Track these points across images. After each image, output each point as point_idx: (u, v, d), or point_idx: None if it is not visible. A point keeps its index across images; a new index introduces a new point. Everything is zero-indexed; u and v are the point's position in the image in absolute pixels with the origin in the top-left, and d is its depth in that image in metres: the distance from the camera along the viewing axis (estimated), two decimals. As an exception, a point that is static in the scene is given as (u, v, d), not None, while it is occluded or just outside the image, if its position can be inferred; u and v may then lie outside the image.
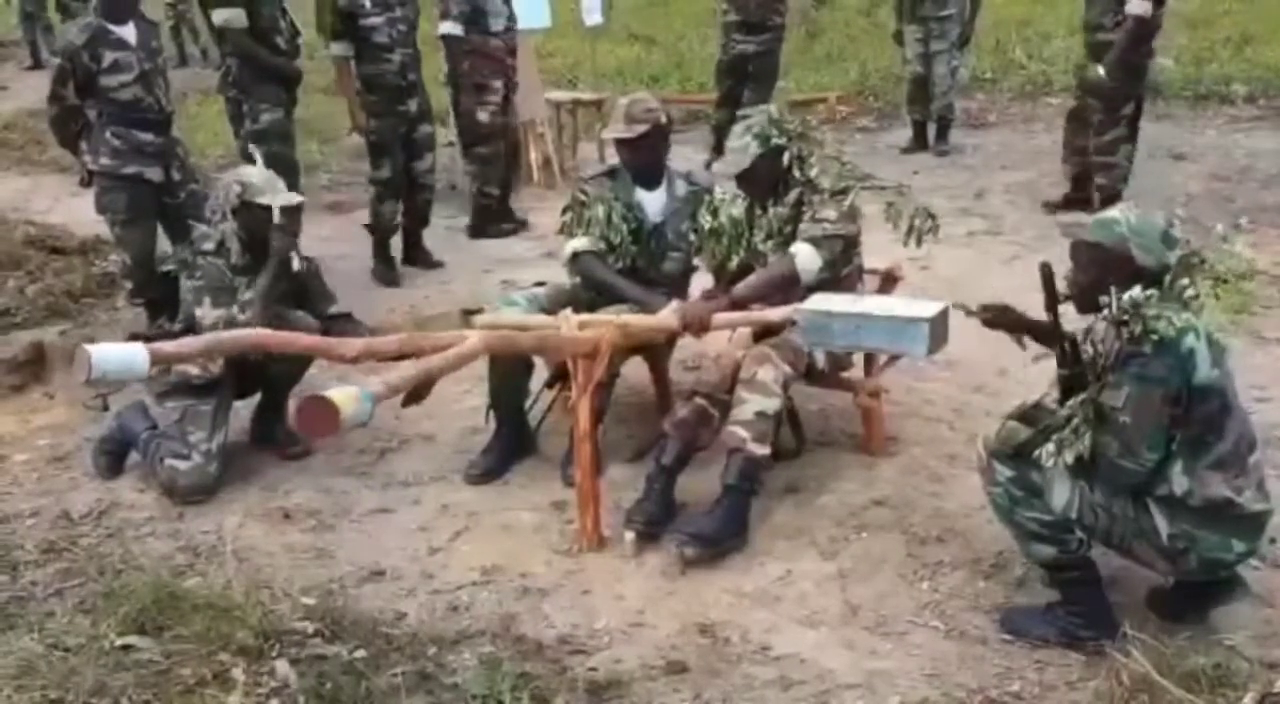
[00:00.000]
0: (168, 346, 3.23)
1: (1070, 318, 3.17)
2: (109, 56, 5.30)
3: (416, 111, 6.61)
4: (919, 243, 4.16)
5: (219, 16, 6.09)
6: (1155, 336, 2.87)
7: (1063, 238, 3.21)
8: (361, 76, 6.46)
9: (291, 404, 2.88)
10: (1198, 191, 7.58)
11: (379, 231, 6.75)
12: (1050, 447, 3.04)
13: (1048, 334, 3.20)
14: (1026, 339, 3.30)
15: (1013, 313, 3.30)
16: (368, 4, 6.33)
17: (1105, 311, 2.95)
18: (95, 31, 5.30)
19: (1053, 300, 3.08)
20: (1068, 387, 3.10)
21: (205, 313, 4.22)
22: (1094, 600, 3.18)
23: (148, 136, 5.44)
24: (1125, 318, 2.90)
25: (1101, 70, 6.85)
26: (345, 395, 2.84)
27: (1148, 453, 2.94)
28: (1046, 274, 3.08)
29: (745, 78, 8.77)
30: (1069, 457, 3.00)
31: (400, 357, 3.55)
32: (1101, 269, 3.02)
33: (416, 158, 6.69)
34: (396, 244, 6.88)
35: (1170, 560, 3.05)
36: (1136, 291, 2.91)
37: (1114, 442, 2.95)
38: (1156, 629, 3.09)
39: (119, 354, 3.04)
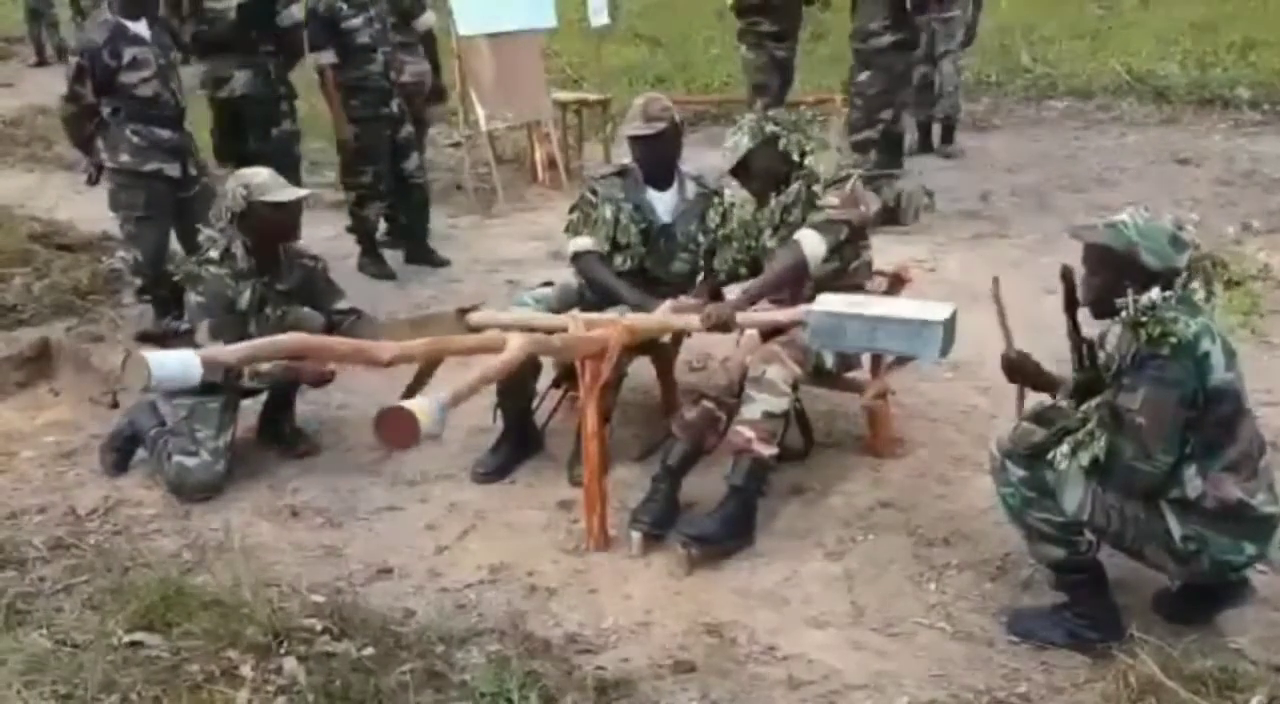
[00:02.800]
0: (214, 353, 3.33)
1: (1085, 320, 3.18)
2: (129, 53, 5.33)
3: (398, 112, 6.59)
4: (916, 218, 4.17)
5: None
6: (1173, 339, 2.88)
7: (1071, 240, 3.22)
8: (346, 82, 6.36)
9: (374, 415, 2.97)
10: (1203, 196, 7.57)
11: (362, 233, 6.76)
12: (1065, 448, 3.05)
13: (1055, 388, 3.23)
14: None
15: (1036, 368, 3.34)
16: (345, 7, 6.27)
17: (1122, 314, 2.96)
18: (114, 29, 5.33)
19: (1072, 303, 3.09)
20: (1083, 389, 3.11)
21: (201, 337, 4.20)
22: (1101, 602, 3.19)
23: (165, 133, 5.47)
24: (1142, 320, 2.91)
25: (863, 75, 7.14)
26: (423, 408, 2.94)
27: (1163, 456, 2.94)
28: (1067, 277, 3.09)
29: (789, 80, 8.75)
30: (1084, 459, 3.01)
31: (429, 357, 3.66)
32: (1110, 272, 3.02)
33: (403, 159, 6.67)
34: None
35: (1182, 563, 3.05)
36: (1155, 294, 2.91)
37: (1129, 444, 2.96)
38: (1163, 632, 3.11)
39: (174, 362, 3.08)
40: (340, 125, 6.45)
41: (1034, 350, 3.44)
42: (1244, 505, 2.98)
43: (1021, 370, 3.35)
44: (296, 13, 6.09)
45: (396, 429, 2.93)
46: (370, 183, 6.59)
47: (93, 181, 5.71)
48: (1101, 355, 3.13)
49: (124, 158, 5.43)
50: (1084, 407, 3.09)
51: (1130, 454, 2.97)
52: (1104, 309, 3.06)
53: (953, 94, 9.00)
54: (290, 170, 4.82)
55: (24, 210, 7.85)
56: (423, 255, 6.93)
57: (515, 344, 3.47)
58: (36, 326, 5.75)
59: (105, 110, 5.40)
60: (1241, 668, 2.96)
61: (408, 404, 2.95)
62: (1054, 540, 3.12)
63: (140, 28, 5.40)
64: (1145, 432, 2.94)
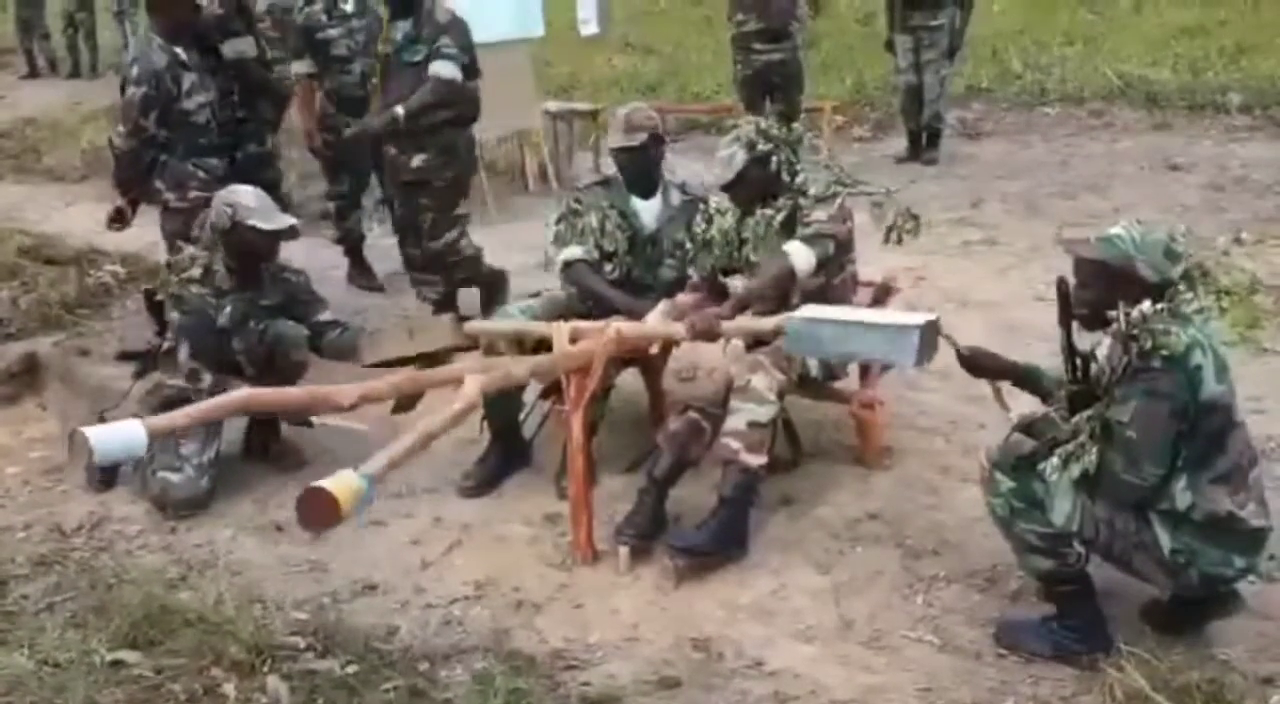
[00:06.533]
0: (165, 421, 3.16)
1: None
2: (187, 79, 5.18)
3: None
4: (899, 241, 4.17)
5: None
6: (1164, 352, 2.86)
7: (1065, 254, 3.21)
8: (326, 91, 6.35)
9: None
10: (1194, 202, 7.56)
11: (349, 243, 6.73)
12: (1055, 460, 3.03)
13: (1026, 380, 3.21)
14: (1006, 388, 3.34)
15: (993, 359, 3.34)
16: (324, 18, 6.26)
17: (1114, 326, 2.94)
18: (171, 55, 5.17)
19: (1067, 315, 3.08)
20: (1076, 401, 3.09)
21: (183, 357, 4.21)
22: (1089, 614, 3.17)
23: (215, 161, 5.34)
24: (1134, 333, 2.89)
25: (418, 160, 5.53)
26: (344, 487, 2.69)
27: (1152, 468, 2.93)
28: (1062, 289, 3.08)
29: (771, 89, 8.67)
30: (1074, 471, 2.99)
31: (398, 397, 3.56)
32: (1106, 286, 3.01)
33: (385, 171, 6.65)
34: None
35: (1171, 575, 3.04)
36: (1146, 306, 2.90)
37: (1119, 457, 2.94)
38: (1151, 643, 3.08)
39: (119, 436, 2.96)
40: (310, 133, 6.44)
41: (1020, 357, 3.44)
42: (1234, 518, 2.97)
43: (979, 365, 3.34)
44: (240, 48, 5.72)
45: (315, 510, 2.68)
46: (348, 192, 6.58)
47: (125, 224, 5.48)
48: (1094, 367, 3.12)
49: (194, 194, 5.19)
50: (1075, 419, 3.07)
51: (1120, 467, 2.95)
52: (1096, 321, 3.05)
53: (934, 103, 8.99)
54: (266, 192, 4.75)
55: (12, 223, 7.82)
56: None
57: (470, 389, 3.28)
58: (23, 341, 5.71)
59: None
60: (1230, 680, 2.94)
61: (326, 483, 2.69)
62: (1042, 552, 3.11)
63: (182, 52, 5.25)
64: (1135, 444, 2.93)
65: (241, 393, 3.46)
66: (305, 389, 3.60)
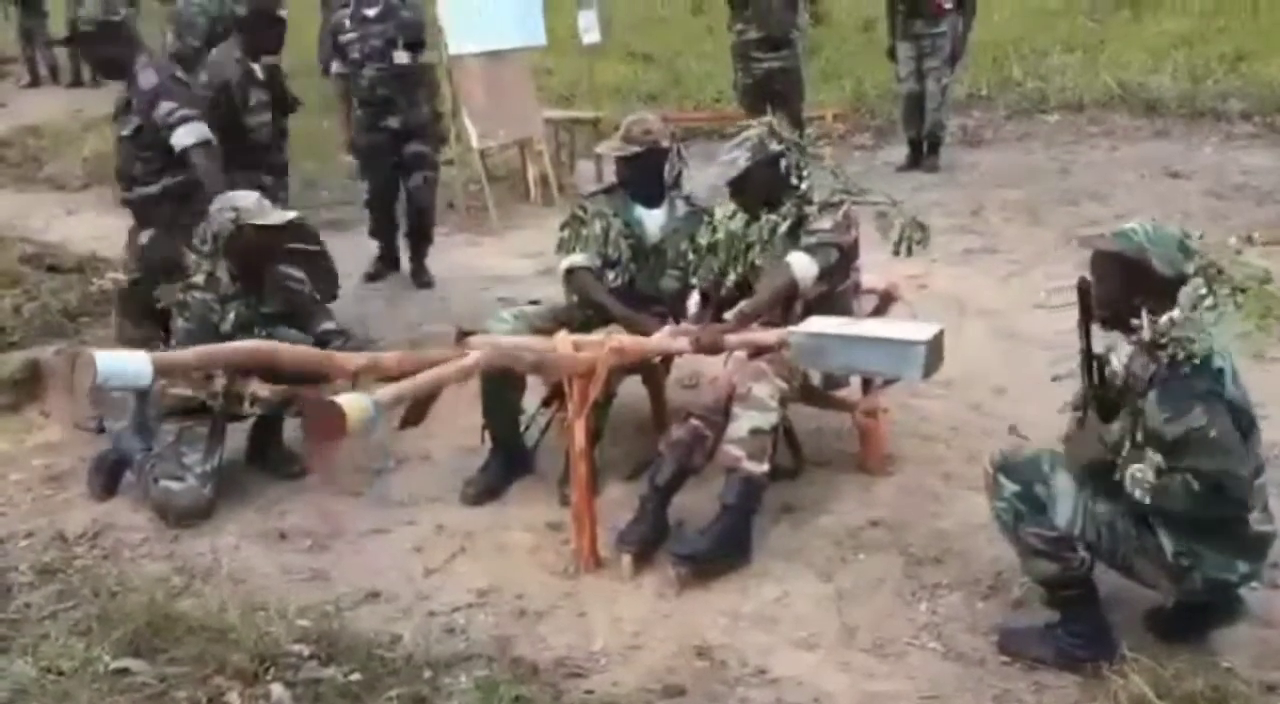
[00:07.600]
0: (170, 356, 3.20)
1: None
2: (255, 96, 5.19)
3: (402, 129, 6.65)
4: (909, 252, 4.18)
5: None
6: (1195, 360, 2.88)
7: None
8: (350, 91, 6.68)
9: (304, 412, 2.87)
10: (1194, 209, 7.56)
11: (378, 238, 6.96)
12: (1129, 482, 2.96)
13: None
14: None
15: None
16: (347, 22, 6.58)
17: (1137, 336, 2.95)
18: (246, 69, 5.19)
19: (1087, 317, 3.07)
20: (1104, 407, 3.07)
21: None
22: (1093, 620, 3.17)
23: (268, 177, 5.28)
24: (1162, 342, 2.90)
25: (144, 236, 4.92)
26: (353, 404, 2.80)
27: (1240, 458, 2.89)
28: (1083, 291, 3.08)
29: (772, 97, 8.66)
30: (1141, 489, 2.94)
31: (402, 373, 3.55)
32: (1121, 279, 3.02)
33: (405, 176, 6.74)
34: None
35: (1174, 579, 3.03)
36: (1176, 314, 2.91)
37: (1210, 460, 2.85)
38: (1155, 650, 3.09)
39: (124, 362, 2.98)
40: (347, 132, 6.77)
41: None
42: (1238, 522, 2.97)
43: None
44: (268, 59, 5.62)
45: (322, 422, 2.79)
46: (371, 192, 6.79)
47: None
48: (1108, 371, 3.11)
49: None
50: (1115, 428, 3.01)
51: (1218, 465, 2.86)
52: (1114, 320, 3.05)
53: (936, 111, 9.00)
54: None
55: (14, 232, 7.85)
56: (413, 274, 6.92)
57: (476, 354, 3.39)
58: (26, 349, 5.72)
59: None
60: (1234, 687, 2.94)
61: (338, 398, 2.81)
62: (1046, 556, 3.10)
63: (257, 69, 5.29)
64: (1219, 442, 2.86)
65: (261, 343, 3.57)
66: (316, 351, 3.65)
